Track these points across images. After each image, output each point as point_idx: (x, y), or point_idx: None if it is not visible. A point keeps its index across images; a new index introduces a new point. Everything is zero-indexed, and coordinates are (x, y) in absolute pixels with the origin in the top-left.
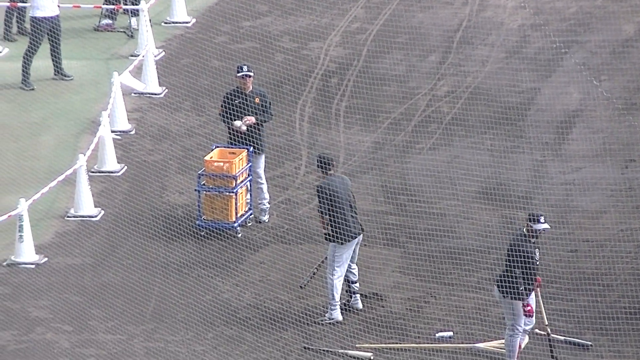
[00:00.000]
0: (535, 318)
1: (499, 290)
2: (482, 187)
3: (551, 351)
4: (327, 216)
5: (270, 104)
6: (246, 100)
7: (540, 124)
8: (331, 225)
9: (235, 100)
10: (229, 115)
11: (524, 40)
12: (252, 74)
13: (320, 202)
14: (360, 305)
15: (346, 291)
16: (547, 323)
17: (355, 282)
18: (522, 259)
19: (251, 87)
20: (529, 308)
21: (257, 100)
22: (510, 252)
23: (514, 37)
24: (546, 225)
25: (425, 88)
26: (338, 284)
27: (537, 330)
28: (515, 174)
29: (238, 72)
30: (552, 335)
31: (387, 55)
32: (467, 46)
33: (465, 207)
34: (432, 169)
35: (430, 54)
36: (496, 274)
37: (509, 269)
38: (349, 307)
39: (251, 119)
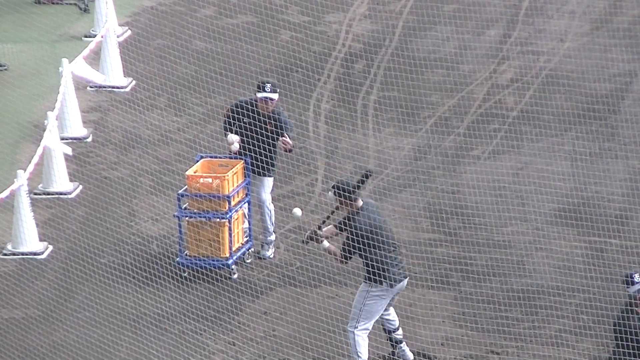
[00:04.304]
0: None
1: None
2: (562, 205)
3: None
4: (371, 260)
5: (290, 130)
6: (257, 123)
7: (639, 119)
8: (374, 262)
9: (243, 118)
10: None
11: (616, 6)
12: (276, 96)
13: (357, 246)
14: (410, 356)
15: (387, 339)
16: None
17: (397, 330)
18: (629, 337)
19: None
20: None
21: (268, 126)
22: (615, 330)
23: (602, 2)
24: None
25: (483, 74)
26: (363, 339)
27: None
28: (607, 186)
29: (258, 90)
30: None
31: (430, 30)
32: (539, 16)
33: (540, 233)
34: (494, 183)
35: (489, 27)
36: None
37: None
38: None
39: (235, 146)
